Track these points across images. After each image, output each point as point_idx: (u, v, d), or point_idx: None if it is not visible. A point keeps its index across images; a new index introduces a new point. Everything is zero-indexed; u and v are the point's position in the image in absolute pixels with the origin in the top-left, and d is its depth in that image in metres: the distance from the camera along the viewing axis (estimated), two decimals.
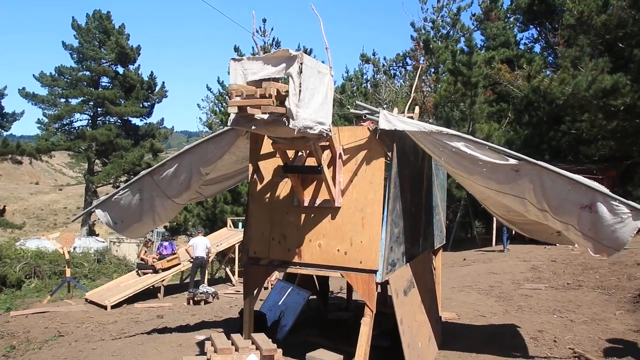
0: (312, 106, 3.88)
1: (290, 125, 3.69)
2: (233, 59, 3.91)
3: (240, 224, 18.27)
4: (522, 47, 26.34)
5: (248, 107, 3.78)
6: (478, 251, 16.22)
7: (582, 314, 7.23)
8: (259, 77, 3.83)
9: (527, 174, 4.38)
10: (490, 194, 5.15)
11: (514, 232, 17.80)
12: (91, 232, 32.99)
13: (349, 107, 22.65)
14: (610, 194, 4.30)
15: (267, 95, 3.71)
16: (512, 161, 4.37)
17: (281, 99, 3.75)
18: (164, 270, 13.94)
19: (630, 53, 16.03)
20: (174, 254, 14.29)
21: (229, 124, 4.10)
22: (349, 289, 8.44)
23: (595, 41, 18.03)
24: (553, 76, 18.47)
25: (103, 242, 29.64)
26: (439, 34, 25.93)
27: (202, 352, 4.67)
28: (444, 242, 7.83)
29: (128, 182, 6.00)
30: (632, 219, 4.23)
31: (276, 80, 3.84)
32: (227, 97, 3.87)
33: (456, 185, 17.60)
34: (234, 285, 15.00)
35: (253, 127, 3.96)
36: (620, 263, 10.03)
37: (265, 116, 3.78)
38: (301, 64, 3.67)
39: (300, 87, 3.69)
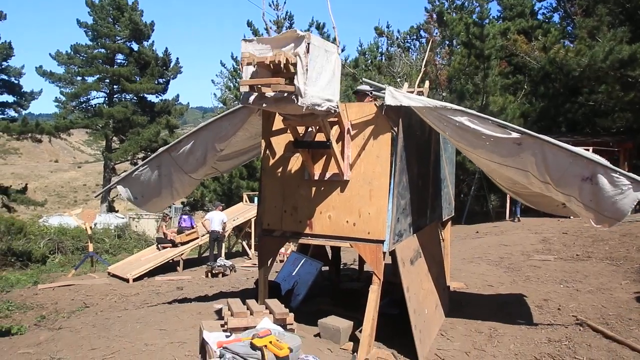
0: (319, 84, 4.05)
1: (299, 103, 3.87)
2: (244, 40, 4.08)
3: (256, 199, 18.60)
4: (540, 17, 25.85)
5: (259, 86, 3.96)
6: (491, 224, 16.34)
7: (588, 284, 7.38)
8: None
9: (529, 147, 4.51)
10: (494, 167, 5.28)
11: (522, 206, 17.87)
12: (111, 209, 33.70)
13: (361, 80, 22.60)
14: (611, 165, 4.42)
15: (277, 62, 3.87)
16: (514, 135, 4.49)
17: (290, 75, 3.92)
18: (183, 244, 14.40)
19: None
20: (193, 228, 14.73)
21: (240, 101, 4.29)
22: (361, 260, 8.69)
23: (614, 10, 17.66)
24: (569, 47, 18.19)
25: (123, 218, 30.31)
26: (453, 5, 25.52)
27: (220, 319, 4.96)
28: (453, 215, 8.00)
29: (147, 159, 6.25)
30: (632, 190, 4.36)
31: None
32: (239, 71, 4.04)
33: (469, 159, 17.61)
34: (250, 259, 15.38)
35: (264, 105, 4.14)
36: (630, 235, 10.11)
37: (275, 94, 3.97)
38: (308, 43, 3.82)
39: (307, 66, 3.85)
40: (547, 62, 20.06)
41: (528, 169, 4.72)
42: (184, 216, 15.15)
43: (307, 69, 3.86)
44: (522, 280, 7.89)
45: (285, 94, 3.93)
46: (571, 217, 13.45)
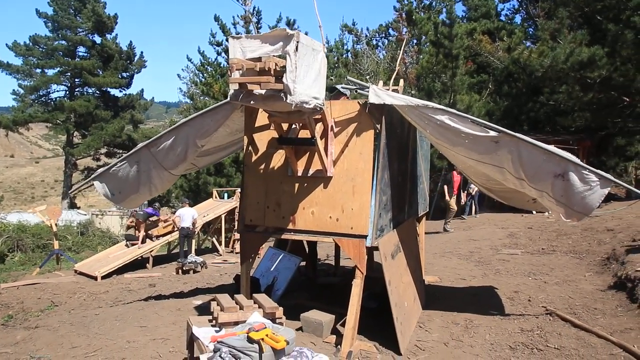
0: (307, 82, 4.11)
1: (288, 100, 3.92)
2: (232, 37, 4.10)
3: (225, 195, 18.49)
4: (503, 18, 26.56)
5: (247, 84, 3.99)
6: (458, 219, 16.74)
7: (554, 276, 7.72)
8: (257, 54, 4.02)
9: (505, 145, 4.70)
10: (471, 163, 5.48)
11: (486, 200, 18.41)
12: (72, 205, 32.79)
13: (332, 77, 22.74)
14: (581, 163, 4.66)
15: (266, 69, 3.93)
16: (492, 133, 4.67)
17: (278, 74, 3.96)
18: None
19: (607, 26, 16.37)
20: (158, 218, 14.62)
21: (228, 98, 4.31)
22: (337, 255, 8.82)
23: (574, 13, 18.31)
24: (532, 48, 18.78)
25: (85, 214, 29.54)
26: (421, 5, 25.94)
27: (202, 314, 4.96)
28: (427, 210, 8.21)
29: (125, 155, 6.16)
30: (599, 187, 4.62)
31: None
32: (228, 71, 4.07)
33: (437, 155, 17.99)
34: (221, 255, 15.30)
35: (252, 102, 4.18)
36: (591, 229, 10.58)
37: (264, 91, 4.01)
38: (297, 42, 3.87)
39: (296, 64, 3.91)
40: (511, 62, 20.64)
41: (504, 165, 4.93)
42: (148, 209, 14.92)
43: (296, 67, 3.91)
44: (492, 274, 8.18)
45: (274, 92, 3.98)
46: (534, 212, 13.96)
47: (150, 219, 14.54)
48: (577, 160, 4.70)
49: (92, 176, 6.40)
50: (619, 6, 16.37)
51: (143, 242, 14.01)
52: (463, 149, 5.06)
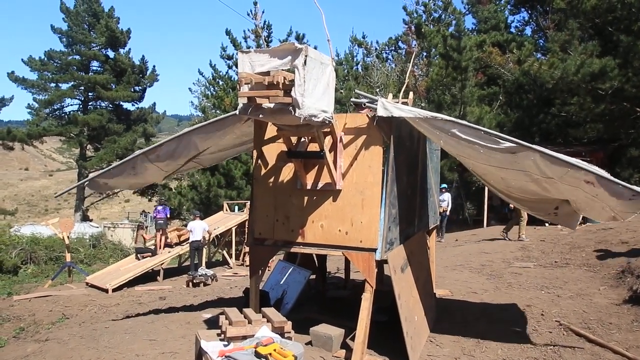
0: (315, 95, 4.12)
1: (297, 114, 3.94)
2: (241, 51, 4.14)
3: (236, 208, 18.54)
4: (513, 30, 26.56)
5: (256, 97, 4.02)
6: (469, 232, 16.62)
7: (568, 290, 7.60)
8: (266, 68, 4.05)
9: (524, 156, 4.49)
10: (492, 170, 5.31)
11: (494, 213, 18.17)
12: (85, 218, 33.08)
13: (341, 91, 22.83)
14: (612, 178, 4.26)
15: (275, 83, 3.95)
16: (506, 144, 4.46)
17: (287, 88, 3.99)
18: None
19: (619, 37, 16.32)
20: (167, 218, 14.74)
21: (237, 112, 4.34)
22: (347, 268, 8.77)
23: (584, 25, 18.29)
24: (542, 60, 18.74)
25: (97, 227, 29.77)
26: (430, 18, 26.02)
27: (211, 328, 4.95)
28: (438, 223, 8.15)
29: (120, 162, 6.26)
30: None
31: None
32: (237, 85, 4.10)
33: (448, 168, 17.93)
34: (231, 268, 15.30)
35: (261, 116, 4.20)
36: (605, 242, 10.43)
37: (273, 105, 4.03)
38: (306, 56, 3.90)
39: (305, 78, 3.93)
40: (521, 74, 20.61)
41: (527, 169, 4.71)
42: (159, 207, 14.97)
43: (304, 81, 3.94)
44: (504, 287, 8.07)
45: (283, 105, 4.00)
46: (547, 224, 13.80)
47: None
48: (608, 175, 4.28)
49: (80, 182, 6.55)
50: (631, 17, 16.33)
51: (153, 254, 14.10)
52: (480, 159, 4.95)
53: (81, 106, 34.58)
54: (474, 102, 19.74)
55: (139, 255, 14.44)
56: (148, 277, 13.71)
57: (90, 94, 33.97)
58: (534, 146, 4.35)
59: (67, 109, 34.53)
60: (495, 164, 4.96)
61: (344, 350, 5.22)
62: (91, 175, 6.66)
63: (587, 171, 4.27)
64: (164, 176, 6.66)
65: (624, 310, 6.39)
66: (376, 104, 4.92)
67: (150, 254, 14.19)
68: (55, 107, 33.96)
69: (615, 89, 16.36)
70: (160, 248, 14.31)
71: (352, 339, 5.09)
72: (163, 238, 14.49)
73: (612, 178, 4.27)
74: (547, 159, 4.35)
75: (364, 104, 5.23)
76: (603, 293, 7.29)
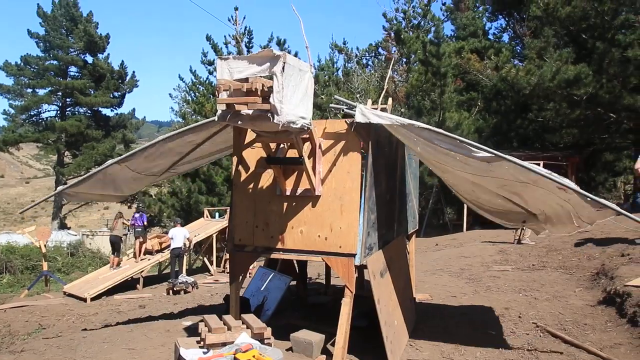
0: (294, 102, 4.15)
1: (275, 121, 3.96)
2: (220, 57, 4.15)
3: (217, 214, 18.44)
4: (490, 37, 27.01)
5: (235, 104, 4.03)
6: (449, 236, 16.78)
7: (545, 292, 7.73)
8: (245, 75, 4.07)
9: (498, 165, 4.59)
10: (469, 177, 5.38)
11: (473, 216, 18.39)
12: (62, 226, 32.54)
13: (322, 96, 22.92)
14: (582, 191, 4.35)
15: (253, 90, 3.97)
16: (481, 154, 4.55)
17: (265, 94, 4.01)
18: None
19: (593, 44, 16.70)
20: (144, 225, 14.60)
21: (216, 119, 4.34)
22: (327, 274, 8.78)
23: (560, 32, 18.69)
24: (519, 67, 19.08)
25: (75, 235, 29.30)
26: (410, 25, 26.32)
27: (191, 336, 4.92)
28: (417, 228, 8.23)
29: (93, 172, 6.19)
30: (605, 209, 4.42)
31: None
32: (216, 92, 4.11)
33: (428, 172, 18.09)
34: (212, 275, 15.20)
35: (239, 122, 4.21)
36: (581, 244, 10.63)
37: (251, 112, 4.04)
38: (284, 63, 3.93)
39: (283, 84, 3.96)
40: (499, 80, 20.96)
41: (502, 177, 4.78)
42: (136, 215, 14.84)
43: (282, 88, 3.96)
44: (483, 291, 8.18)
45: (261, 112, 4.02)
46: (525, 228, 14.01)
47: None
48: (577, 188, 4.36)
49: (54, 192, 6.46)
50: (604, 25, 16.74)
51: (146, 254, 14.07)
52: (455, 166, 5.05)
53: (59, 112, 34.11)
54: (453, 108, 20.00)
55: (114, 245, 14.36)
56: (127, 285, 13.54)
57: (68, 99, 33.54)
58: (507, 156, 4.42)
59: (44, 115, 34.08)
60: (471, 172, 5.04)
61: (325, 356, 5.23)
62: (59, 188, 6.57)
63: (558, 183, 4.37)
64: (143, 185, 6.61)
65: (598, 311, 6.54)
66: (354, 110, 4.96)
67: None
68: (32, 113, 33.47)
69: (590, 95, 16.73)
70: (138, 256, 14.17)
71: (333, 345, 5.10)
72: (142, 245, 14.35)
73: (580, 190, 4.36)
74: (520, 170, 4.44)
75: (343, 110, 5.27)
76: (578, 295, 7.44)
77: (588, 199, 4.34)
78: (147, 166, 6.01)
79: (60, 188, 6.46)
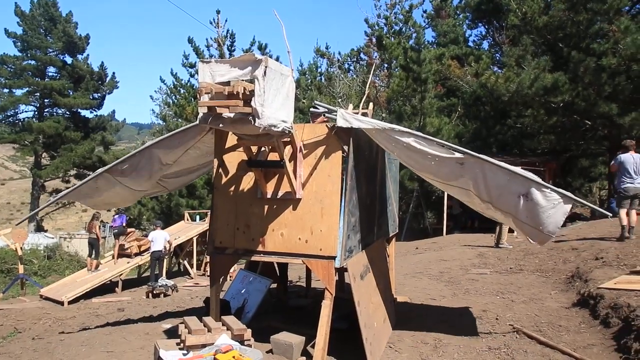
0: (275, 106, 4.20)
1: (256, 124, 4.00)
2: (202, 61, 4.18)
3: (197, 217, 18.34)
4: (471, 44, 27.44)
5: (217, 107, 4.06)
6: (429, 240, 16.95)
7: (522, 295, 7.88)
8: (226, 78, 4.11)
9: (470, 167, 4.84)
10: (439, 185, 5.62)
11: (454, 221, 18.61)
12: (39, 228, 31.94)
13: (304, 101, 23.00)
14: (543, 182, 4.84)
15: (235, 93, 4.01)
16: (457, 155, 4.81)
17: (247, 98, 4.05)
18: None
19: (569, 53, 17.09)
20: (123, 227, 14.48)
21: (197, 122, 4.36)
22: (308, 277, 8.82)
23: (537, 41, 19.08)
24: (499, 74, 19.42)
25: (52, 237, 28.79)
26: (392, 31, 26.58)
27: (171, 338, 4.91)
28: (397, 231, 8.32)
29: (85, 180, 6.14)
30: (562, 203, 4.79)
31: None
32: (197, 95, 4.14)
33: (409, 177, 18.27)
34: (192, 278, 15.10)
35: (221, 125, 4.24)
36: (557, 248, 10.85)
37: (233, 115, 4.08)
38: (266, 67, 3.97)
39: (264, 88, 4.00)
40: (479, 87, 21.29)
41: (470, 188, 5.07)
42: (115, 216, 14.81)
43: (264, 91, 4.00)
44: (462, 293, 8.30)
45: (243, 115, 4.06)
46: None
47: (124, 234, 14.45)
48: (539, 180, 4.86)
49: (52, 200, 6.39)
50: (579, 34, 17.14)
51: (125, 257, 13.92)
52: (429, 172, 5.20)
53: (36, 113, 33.54)
54: (434, 113, 20.26)
55: (91, 245, 14.20)
56: (106, 288, 13.38)
57: (46, 100, 33.01)
58: (481, 156, 4.67)
59: (21, 116, 33.52)
60: (443, 179, 5.21)
61: (305, 358, 5.26)
62: (52, 199, 6.51)
63: (525, 178, 4.72)
64: (136, 197, 6.57)
65: (572, 313, 6.69)
66: (335, 114, 5.03)
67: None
68: (9, 114, 32.88)
69: (566, 103, 17.12)
70: (116, 257, 14.04)
71: (313, 347, 5.13)
72: (119, 245, 14.24)
73: (544, 183, 4.77)
74: (492, 169, 4.71)
75: (324, 114, 5.34)
76: (554, 297, 7.60)
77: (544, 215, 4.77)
78: (137, 176, 5.99)
79: (52, 200, 6.39)
